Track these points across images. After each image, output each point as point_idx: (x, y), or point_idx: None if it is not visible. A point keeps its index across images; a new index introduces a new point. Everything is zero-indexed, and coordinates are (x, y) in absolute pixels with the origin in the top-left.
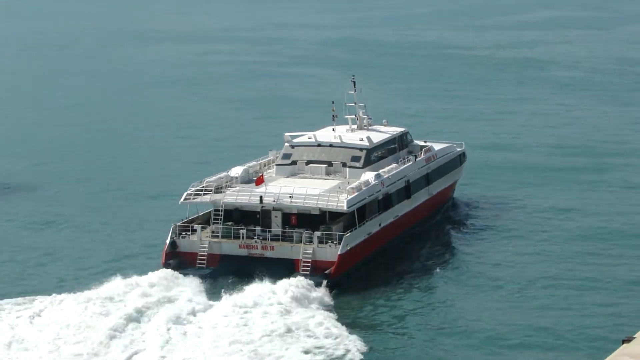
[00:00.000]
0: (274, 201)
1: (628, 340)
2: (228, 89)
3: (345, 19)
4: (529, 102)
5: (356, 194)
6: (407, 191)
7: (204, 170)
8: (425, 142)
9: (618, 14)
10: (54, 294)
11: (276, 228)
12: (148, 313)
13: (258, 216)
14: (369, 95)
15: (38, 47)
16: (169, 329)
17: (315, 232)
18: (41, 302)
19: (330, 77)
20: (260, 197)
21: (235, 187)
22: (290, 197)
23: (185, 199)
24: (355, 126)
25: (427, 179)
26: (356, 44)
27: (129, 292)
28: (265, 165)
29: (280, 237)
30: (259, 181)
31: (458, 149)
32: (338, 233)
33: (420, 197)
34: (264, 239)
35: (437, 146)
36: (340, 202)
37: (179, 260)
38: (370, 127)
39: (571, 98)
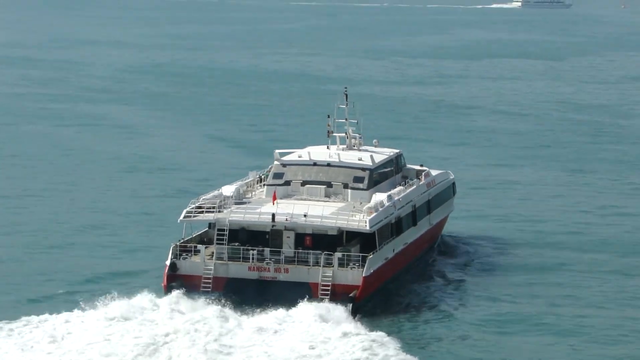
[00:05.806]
0: (286, 220)
1: None
2: None
3: (171, 36)
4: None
5: (375, 213)
6: (413, 217)
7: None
8: (421, 165)
9: (578, 39)
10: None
11: (287, 249)
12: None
13: (267, 236)
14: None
15: None
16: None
17: (336, 254)
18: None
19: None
20: (273, 215)
21: (235, 205)
22: (304, 215)
23: (185, 216)
24: (344, 146)
25: (429, 207)
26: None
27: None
28: (250, 187)
29: (296, 260)
30: (274, 198)
31: (450, 177)
32: (361, 254)
33: (423, 226)
34: (277, 261)
35: (432, 172)
36: (362, 222)
37: (180, 284)
38: (361, 148)
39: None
